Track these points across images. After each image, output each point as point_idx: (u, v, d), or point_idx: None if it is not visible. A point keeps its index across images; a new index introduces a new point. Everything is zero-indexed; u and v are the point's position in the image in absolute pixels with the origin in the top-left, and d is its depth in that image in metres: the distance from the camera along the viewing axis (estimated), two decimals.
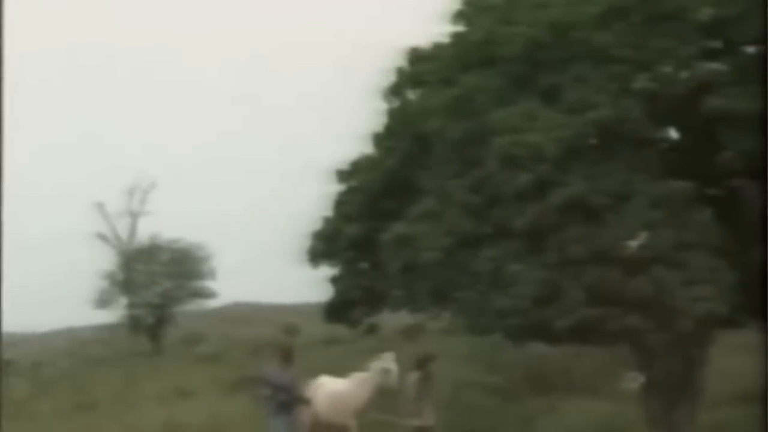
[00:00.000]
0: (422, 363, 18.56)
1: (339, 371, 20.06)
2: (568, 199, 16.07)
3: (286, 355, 18.13)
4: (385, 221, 18.23)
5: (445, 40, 18.54)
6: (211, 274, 43.76)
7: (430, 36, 18.96)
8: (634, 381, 18.46)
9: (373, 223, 19.01)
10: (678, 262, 15.96)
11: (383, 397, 19.28)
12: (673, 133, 17.79)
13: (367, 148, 19.98)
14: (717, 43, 16.86)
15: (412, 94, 19.06)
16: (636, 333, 16.34)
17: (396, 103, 19.18)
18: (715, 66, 16.78)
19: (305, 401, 18.27)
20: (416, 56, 18.99)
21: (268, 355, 18.32)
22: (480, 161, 16.90)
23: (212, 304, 45.81)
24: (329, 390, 19.40)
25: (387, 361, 19.10)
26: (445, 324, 25.43)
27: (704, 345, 18.29)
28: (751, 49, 16.74)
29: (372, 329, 22.58)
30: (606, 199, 16.13)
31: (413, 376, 18.43)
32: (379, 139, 19.60)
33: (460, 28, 18.22)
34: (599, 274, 16.02)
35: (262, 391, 18.01)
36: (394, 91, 19.10)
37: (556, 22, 16.96)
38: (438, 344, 26.94)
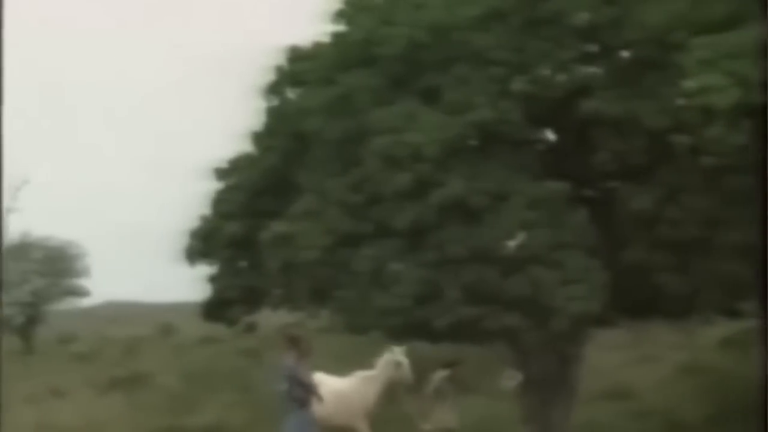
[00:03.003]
0: (450, 364, 18.29)
1: (219, 369, 19.83)
2: (447, 199, 16.22)
3: (304, 348, 17.31)
4: (265, 220, 18.13)
5: (326, 39, 18.53)
6: (85, 272, 43.05)
7: (310, 35, 18.95)
8: (512, 379, 18.64)
9: (253, 222, 18.85)
10: (554, 262, 16.26)
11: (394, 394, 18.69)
12: (551, 135, 18.11)
13: (247, 147, 19.83)
14: (593, 47, 17.20)
15: (291, 93, 18.99)
16: (513, 331, 16.59)
17: (276, 102, 19.07)
18: (590, 70, 17.14)
19: (319, 397, 17.00)
20: (296, 55, 18.93)
21: (285, 348, 17.43)
22: (360, 160, 16.96)
23: (86, 302, 45.07)
24: (331, 389, 18.15)
25: (398, 354, 18.14)
26: (324, 323, 25.43)
27: (579, 343, 18.63)
28: (625, 54, 17.12)
29: (251, 328, 22.38)
30: (485, 199, 16.32)
31: (439, 375, 18.20)
32: (258, 138, 19.47)
33: (340, 27, 18.24)
34: (477, 273, 16.22)
35: (279, 385, 17.17)
36: (274, 89, 19.00)
37: (436, 24, 17.09)
38: (316, 343, 26.89)
